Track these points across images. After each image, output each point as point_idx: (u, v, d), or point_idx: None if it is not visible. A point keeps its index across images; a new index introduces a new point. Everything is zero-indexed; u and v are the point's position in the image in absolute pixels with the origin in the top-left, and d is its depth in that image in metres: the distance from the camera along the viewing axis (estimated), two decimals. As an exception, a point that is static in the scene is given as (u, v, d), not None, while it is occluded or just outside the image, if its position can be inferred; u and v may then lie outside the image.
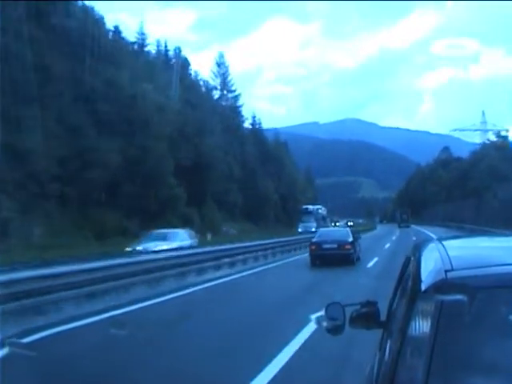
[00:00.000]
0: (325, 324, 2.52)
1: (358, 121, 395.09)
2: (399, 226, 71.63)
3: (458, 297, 1.43)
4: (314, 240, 19.14)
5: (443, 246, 1.89)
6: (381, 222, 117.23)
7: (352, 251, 18.37)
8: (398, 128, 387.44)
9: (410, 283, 1.79)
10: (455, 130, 74.40)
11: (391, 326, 2.00)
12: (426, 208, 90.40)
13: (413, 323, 1.50)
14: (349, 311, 2.47)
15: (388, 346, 1.76)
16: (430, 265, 1.70)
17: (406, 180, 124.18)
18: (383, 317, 2.46)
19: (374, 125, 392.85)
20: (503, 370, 1.35)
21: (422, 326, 1.46)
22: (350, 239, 18.79)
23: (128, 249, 18.39)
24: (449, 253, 1.74)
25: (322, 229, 24.88)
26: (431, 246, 1.99)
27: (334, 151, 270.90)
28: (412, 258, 2.09)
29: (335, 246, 18.29)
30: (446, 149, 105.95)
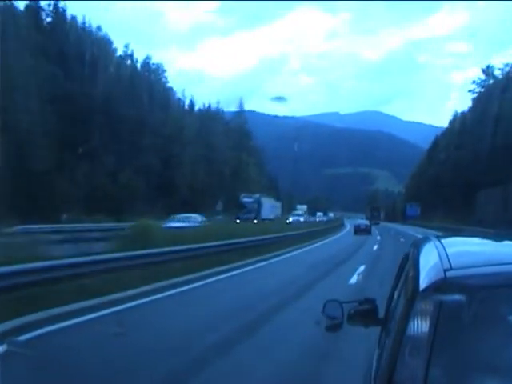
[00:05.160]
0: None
1: (380, 113, 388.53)
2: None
3: (457, 296, 1.42)
4: (355, 224, 48.04)
5: (442, 244, 1.86)
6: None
7: (369, 229, 46.30)
8: (420, 123, 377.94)
9: (408, 282, 1.78)
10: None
11: (390, 325, 1.98)
12: (473, 189, 47.40)
13: (411, 323, 1.48)
14: (347, 308, 2.46)
15: (386, 345, 1.76)
16: (428, 263, 1.68)
17: (424, 155, 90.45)
18: (381, 314, 2.44)
19: (396, 118, 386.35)
20: (502, 370, 1.35)
21: (420, 325, 1.46)
22: (369, 224, 48.86)
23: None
24: (447, 251, 1.72)
25: (358, 220, 54.60)
26: (430, 244, 1.95)
27: (352, 141, 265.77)
28: (410, 256, 2.06)
29: (364, 227, 46.48)
30: None
